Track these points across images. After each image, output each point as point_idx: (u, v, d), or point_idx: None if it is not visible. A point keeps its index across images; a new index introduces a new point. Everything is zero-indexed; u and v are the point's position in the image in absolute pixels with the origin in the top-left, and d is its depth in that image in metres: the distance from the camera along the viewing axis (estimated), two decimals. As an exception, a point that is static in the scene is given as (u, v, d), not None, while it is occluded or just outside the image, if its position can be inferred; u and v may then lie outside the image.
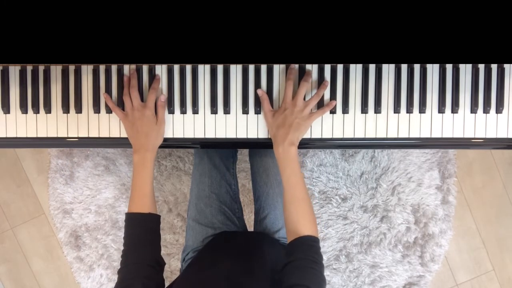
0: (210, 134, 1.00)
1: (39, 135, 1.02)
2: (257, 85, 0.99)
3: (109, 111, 1.01)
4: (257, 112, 1.00)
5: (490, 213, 1.71)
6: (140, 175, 0.93)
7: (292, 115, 0.92)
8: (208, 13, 0.77)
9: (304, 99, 0.95)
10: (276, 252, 1.03)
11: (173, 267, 1.72)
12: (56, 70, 1.01)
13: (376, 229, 1.67)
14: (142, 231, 0.90)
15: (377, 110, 0.99)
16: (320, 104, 0.98)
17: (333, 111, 0.99)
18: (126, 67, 1.00)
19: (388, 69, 0.99)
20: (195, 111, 1.00)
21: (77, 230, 1.74)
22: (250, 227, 1.29)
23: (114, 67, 1.00)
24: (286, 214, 0.89)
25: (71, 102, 1.01)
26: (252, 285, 0.82)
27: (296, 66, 0.98)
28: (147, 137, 0.94)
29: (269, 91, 0.99)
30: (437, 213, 1.67)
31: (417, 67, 0.98)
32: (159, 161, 1.71)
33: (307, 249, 0.83)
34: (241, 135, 1.00)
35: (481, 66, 0.98)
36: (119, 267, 0.86)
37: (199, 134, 1.01)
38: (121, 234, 1.71)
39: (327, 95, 0.99)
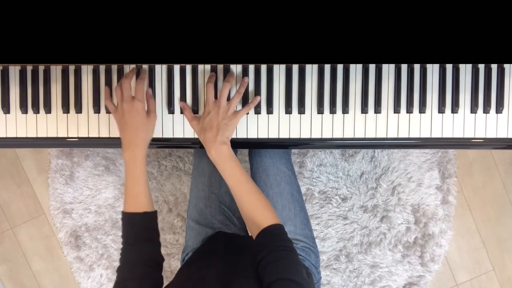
0: (210, 134, 1.00)
1: (39, 135, 1.02)
2: (257, 85, 0.99)
3: (109, 111, 1.01)
4: (257, 112, 1.00)
5: (490, 213, 1.71)
6: (131, 173, 0.90)
7: (218, 116, 0.92)
8: (208, 13, 0.77)
9: (228, 99, 0.96)
10: None
11: (173, 267, 1.72)
12: (56, 70, 1.01)
13: (376, 229, 1.67)
14: (137, 230, 0.89)
15: (377, 110, 0.99)
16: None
17: (333, 111, 0.99)
18: (126, 67, 1.00)
19: (388, 69, 0.99)
20: (195, 111, 1.00)
21: (77, 230, 1.75)
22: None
23: (114, 67, 1.00)
24: (242, 211, 0.89)
25: (71, 102, 1.01)
26: (243, 286, 0.80)
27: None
28: (137, 131, 0.91)
29: (269, 91, 0.99)
30: (437, 213, 1.67)
31: (417, 67, 0.98)
32: (159, 161, 1.71)
33: (274, 239, 0.82)
34: (241, 135, 1.00)
35: (481, 66, 0.98)
36: (118, 265, 0.86)
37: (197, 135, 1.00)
38: (121, 234, 1.71)
39: (327, 95, 0.99)
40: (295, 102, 0.99)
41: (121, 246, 0.90)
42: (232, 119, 0.94)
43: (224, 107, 0.93)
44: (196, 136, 1.00)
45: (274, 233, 0.83)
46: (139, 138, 0.92)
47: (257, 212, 0.86)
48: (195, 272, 0.89)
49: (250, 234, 0.87)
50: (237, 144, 1.02)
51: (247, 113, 1.00)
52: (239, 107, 0.99)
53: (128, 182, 0.91)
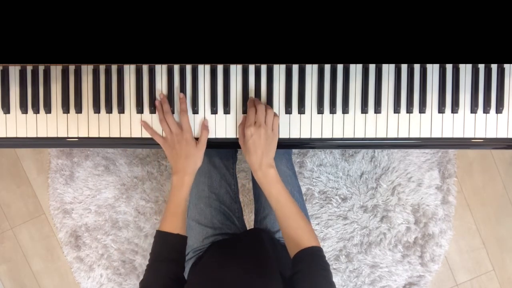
0: (210, 134, 1.00)
1: (39, 135, 1.02)
2: (257, 85, 0.99)
3: (109, 111, 1.01)
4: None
5: (490, 213, 1.71)
6: (176, 196, 0.95)
7: (260, 139, 0.92)
8: (208, 13, 0.77)
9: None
10: (278, 251, 1.03)
11: (173, 267, 1.72)
12: (56, 70, 1.01)
13: (376, 229, 1.67)
14: (168, 250, 0.91)
15: (377, 110, 0.98)
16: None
17: (333, 111, 0.99)
18: (126, 67, 1.00)
19: (388, 69, 0.99)
20: (195, 111, 1.00)
21: (77, 230, 1.74)
22: (250, 227, 1.29)
23: (114, 67, 1.00)
24: (284, 232, 0.90)
25: (71, 102, 1.01)
26: (266, 286, 0.82)
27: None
28: (187, 160, 0.96)
29: (269, 91, 0.99)
30: (437, 213, 1.67)
31: (417, 67, 0.98)
32: (159, 161, 1.71)
33: (312, 258, 0.84)
34: (241, 135, 1.00)
35: (481, 66, 0.98)
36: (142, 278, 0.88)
37: (199, 134, 1.00)
38: (121, 234, 1.71)
39: (327, 95, 0.99)
40: (295, 102, 0.99)
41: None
42: (273, 139, 0.94)
43: (263, 129, 0.93)
44: (196, 136, 1.00)
45: (315, 254, 0.85)
46: (189, 167, 0.96)
47: (300, 234, 0.88)
48: (215, 273, 0.90)
49: (290, 254, 0.90)
50: (237, 144, 1.02)
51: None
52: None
53: (170, 204, 0.95)
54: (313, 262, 0.83)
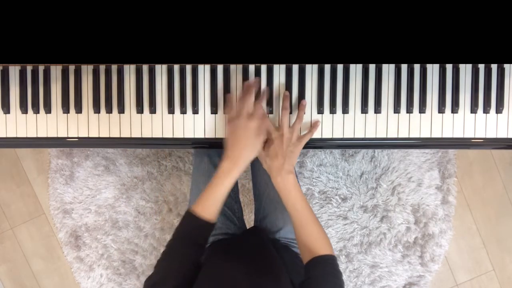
0: (210, 134, 1.00)
1: (39, 135, 1.02)
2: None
3: (109, 111, 1.01)
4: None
5: (490, 213, 1.71)
6: (219, 182, 0.89)
7: (283, 144, 0.92)
8: (208, 13, 0.77)
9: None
10: (279, 251, 1.03)
11: (173, 267, 1.72)
12: (56, 70, 1.01)
13: (376, 229, 1.67)
14: (195, 233, 0.88)
15: (377, 110, 0.98)
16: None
17: (333, 111, 0.99)
18: (126, 67, 1.00)
19: (388, 69, 0.99)
20: (195, 111, 1.00)
21: (77, 230, 1.75)
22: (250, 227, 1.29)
23: (114, 67, 1.00)
24: (299, 238, 0.90)
25: (71, 102, 1.01)
26: (273, 286, 0.82)
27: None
28: (243, 150, 0.90)
29: (269, 91, 0.99)
30: (437, 213, 1.67)
31: (417, 67, 0.98)
32: (159, 161, 1.71)
33: (325, 266, 0.84)
34: (241, 135, 1.00)
35: (481, 66, 0.98)
36: (163, 249, 0.86)
37: (199, 134, 1.01)
38: (121, 234, 1.71)
39: (327, 95, 0.99)
40: (295, 102, 0.99)
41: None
42: (297, 146, 0.94)
43: (288, 135, 0.93)
44: (196, 136, 1.00)
45: (328, 262, 0.85)
46: (242, 157, 0.90)
47: (315, 241, 0.87)
48: (222, 272, 0.88)
49: (303, 261, 0.89)
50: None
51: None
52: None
53: (212, 188, 0.90)
54: (325, 269, 0.83)
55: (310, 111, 1.00)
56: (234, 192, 1.19)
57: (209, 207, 0.89)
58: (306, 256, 0.87)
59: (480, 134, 0.98)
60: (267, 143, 0.95)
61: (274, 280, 0.84)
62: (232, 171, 0.89)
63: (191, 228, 0.89)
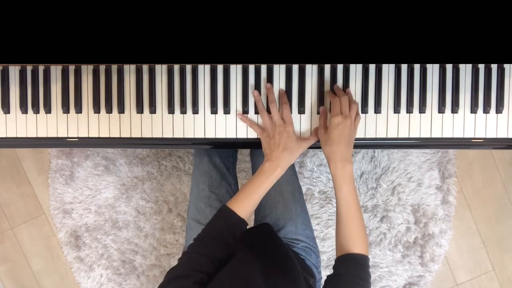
0: (210, 134, 1.00)
1: (39, 135, 1.02)
2: (257, 85, 0.99)
3: (109, 111, 1.01)
4: (257, 112, 1.00)
5: (490, 213, 1.71)
6: (260, 182, 0.91)
7: (345, 128, 0.91)
8: (208, 13, 0.77)
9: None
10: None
11: (173, 267, 1.72)
12: (56, 70, 1.01)
13: (376, 229, 1.67)
14: (227, 230, 0.88)
15: (377, 110, 0.99)
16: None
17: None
18: (126, 67, 1.00)
19: (388, 69, 0.99)
20: (195, 111, 1.00)
21: (77, 230, 1.75)
22: (250, 226, 1.29)
23: (114, 67, 1.00)
24: (339, 230, 0.89)
25: (71, 102, 1.01)
26: (290, 286, 0.81)
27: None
28: (284, 152, 0.93)
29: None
30: (437, 213, 1.67)
31: (417, 67, 0.98)
32: (159, 161, 1.71)
33: (356, 266, 0.84)
34: (241, 135, 1.00)
35: (481, 66, 0.98)
36: (192, 241, 0.85)
37: (199, 134, 1.01)
38: (121, 234, 1.71)
39: (322, 95, 0.99)
40: (295, 102, 0.99)
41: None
42: (354, 130, 0.94)
43: (350, 121, 0.92)
44: (196, 136, 1.00)
45: (359, 262, 0.85)
46: (284, 159, 0.93)
47: (354, 237, 0.87)
48: (236, 271, 0.86)
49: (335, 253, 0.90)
50: (237, 144, 1.02)
51: (248, 113, 1.00)
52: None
53: (253, 188, 0.91)
54: (355, 269, 0.83)
55: (310, 111, 1.00)
56: (234, 192, 1.19)
57: (246, 207, 0.90)
58: (341, 249, 0.87)
59: (480, 134, 0.99)
60: (330, 127, 0.93)
61: (290, 278, 0.83)
62: (272, 173, 0.91)
63: (225, 224, 0.88)
